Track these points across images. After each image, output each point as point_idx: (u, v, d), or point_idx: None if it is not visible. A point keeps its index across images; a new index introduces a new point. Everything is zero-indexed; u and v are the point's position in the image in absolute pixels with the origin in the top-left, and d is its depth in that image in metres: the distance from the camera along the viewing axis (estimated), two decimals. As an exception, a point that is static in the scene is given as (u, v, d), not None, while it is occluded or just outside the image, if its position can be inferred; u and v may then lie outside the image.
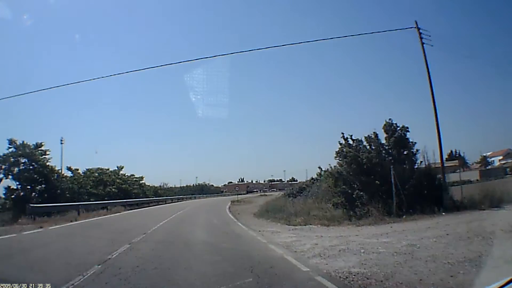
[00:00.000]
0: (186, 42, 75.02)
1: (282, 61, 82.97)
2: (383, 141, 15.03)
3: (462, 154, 62.78)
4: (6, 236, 10.50)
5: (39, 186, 26.35)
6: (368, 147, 14.99)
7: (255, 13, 61.64)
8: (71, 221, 15.31)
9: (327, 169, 15.59)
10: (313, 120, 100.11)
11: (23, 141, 25.54)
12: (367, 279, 4.78)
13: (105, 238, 9.28)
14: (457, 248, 6.40)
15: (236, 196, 56.52)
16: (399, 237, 8.30)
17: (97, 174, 33.08)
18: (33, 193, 26.38)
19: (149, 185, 45.64)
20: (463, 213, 12.11)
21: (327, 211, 13.53)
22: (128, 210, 25.97)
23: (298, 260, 6.12)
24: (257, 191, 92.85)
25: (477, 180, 32.72)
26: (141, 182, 41.48)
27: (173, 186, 75.62)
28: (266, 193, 75.75)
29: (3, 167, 24.27)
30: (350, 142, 15.00)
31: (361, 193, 13.31)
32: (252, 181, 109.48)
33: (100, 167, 34.07)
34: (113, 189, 30.71)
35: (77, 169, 32.58)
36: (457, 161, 52.96)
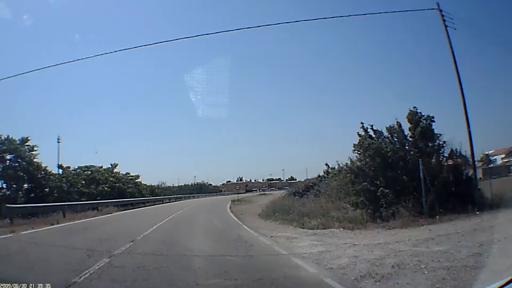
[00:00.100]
0: (186, 42, 73.42)
1: (282, 60, 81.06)
2: (406, 133, 13.40)
3: (463, 153, 61.20)
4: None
5: (26, 185, 24.55)
6: (390, 139, 13.29)
7: (255, 13, 60.15)
8: (52, 224, 13.38)
9: (346, 163, 13.75)
10: (312, 119, 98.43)
11: (8, 136, 23.56)
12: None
13: (82, 248, 7.32)
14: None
15: (235, 195, 54.85)
16: (452, 244, 6.72)
17: (89, 172, 31.14)
18: (19, 192, 24.57)
19: (145, 184, 43.69)
20: (498, 211, 10.58)
21: (348, 212, 11.67)
22: (122, 210, 24.00)
23: (345, 286, 4.30)
24: (256, 190, 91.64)
25: (480, 178, 31.40)
26: (137, 180, 39.52)
27: (171, 185, 73.81)
28: (265, 192, 74.27)
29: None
30: (371, 133, 13.22)
31: (386, 190, 11.50)
32: (250, 180, 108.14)
33: (92, 164, 32.09)
34: (106, 188, 28.72)
35: (69, 167, 30.78)
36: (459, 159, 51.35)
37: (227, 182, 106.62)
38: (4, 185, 23.62)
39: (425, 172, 11.84)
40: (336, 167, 21.40)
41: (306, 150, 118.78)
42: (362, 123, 13.17)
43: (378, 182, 11.97)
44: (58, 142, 37.61)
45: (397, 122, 13.38)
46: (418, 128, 13.07)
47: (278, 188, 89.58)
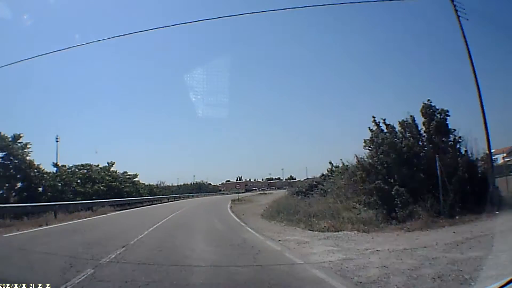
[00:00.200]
0: (186, 42, 72.53)
1: (282, 60, 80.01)
2: (420, 127, 12.56)
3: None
4: None
5: (20, 184, 23.60)
6: (403, 134, 12.43)
7: (255, 13, 59.22)
8: (40, 226, 12.44)
9: (358, 160, 12.82)
10: (311, 119, 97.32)
11: (-1, 132, 22.57)
12: None
13: (65, 256, 6.26)
14: None
15: (235, 194, 54.03)
16: (486, 248, 5.92)
17: (85, 170, 30.17)
18: (12, 191, 23.62)
19: (144, 184, 42.65)
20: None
21: (361, 212, 10.77)
22: (118, 210, 23.01)
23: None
24: (255, 189, 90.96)
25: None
26: (134, 180, 38.50)
27: (171, 184, 72.71)
28: (265, 192, 73.52)
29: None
30: (383, 127, 12.35)
31: (402, 189, 10.61)
32: (250, 180, 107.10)
33: (88, 163, 31.10)
34: (102, 187, 27.75)
35: (64, 166, 29.83)
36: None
37: (226, 181, 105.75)
38: (-3, 184, 22.69)
39: (442, 169, 11.06)
40: (340, 165, 20.67)
41: (305, 150, 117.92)
42: (374, 117, 12.32)
43: (392, 180, 11.10)
44: (57, 141, 37.66)
45: (411, 116, 12.56)
46: (433, 122, 12.25)
47: (278, 188, 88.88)
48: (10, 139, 22.93)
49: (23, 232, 10.68)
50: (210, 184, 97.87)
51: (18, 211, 15.05)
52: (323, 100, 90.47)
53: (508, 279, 2.39)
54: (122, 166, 65.88)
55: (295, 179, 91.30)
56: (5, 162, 22.64)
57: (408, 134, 12.37)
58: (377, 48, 56.96)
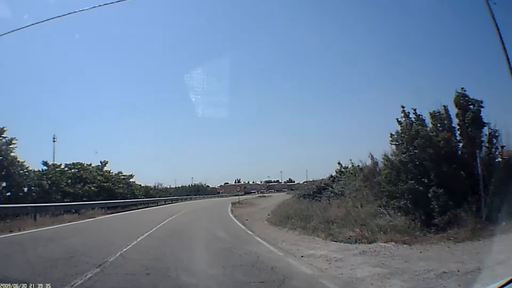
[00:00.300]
0: (186, 42, 71.19)
1: (282, 60, 78.57)
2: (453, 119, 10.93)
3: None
4: None
5: (5, 183, 21.71)
6: (435, 126, 10.78)
7: (255, 13, 58.12)
8: (11, 231, 10.57)
9: (383, 157, 11.14)
10: (311, 121, 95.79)
11: (-20, 127, 20.63)
12: None
13: (14, 280, 4.51)
14: None
15: (235, 197, 52.39)
16: None
17: (76, 170, 28.27)
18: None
19: (139, 185, 40.64)
20: None
21: (395, 219, 9.03)
22: (109, 214, 21.13)
23: None
24: (254, 192, 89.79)
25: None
26: (130, 180, 36.54)
27: (168, 186, 70.74)
28: (264, 194, 72.21)
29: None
30: (413, 119, 10.67)
31: (440, 190, 8.91)
32: (248, 182, 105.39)
33: (80, 161, 29.20)
34: (93, 188, 25.83)
35: (55, 164, 27.94)
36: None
37: (224, 183, 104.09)
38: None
39: (483, 167, 9.45)
40: (350, 166, 19.13)
41: (305, 152, 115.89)
42: (403, 107, 10.64)
43: (425, 180, 9.40)
44: (54, 141, 36.56)
45: (444, 106, 10.87)
46: (469, 114, 10.60)
47: (277, 190, 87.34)
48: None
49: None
50: (208, 186, 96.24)
51: (4, 212, 13.21)
52: (323, 102, 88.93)
53: (508, 279, 2.34)
54: (120, 167, 64.45)
55: (293, 181, 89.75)
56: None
57: (439, 127, 10.77)
58: (372, 49, 55.03)
